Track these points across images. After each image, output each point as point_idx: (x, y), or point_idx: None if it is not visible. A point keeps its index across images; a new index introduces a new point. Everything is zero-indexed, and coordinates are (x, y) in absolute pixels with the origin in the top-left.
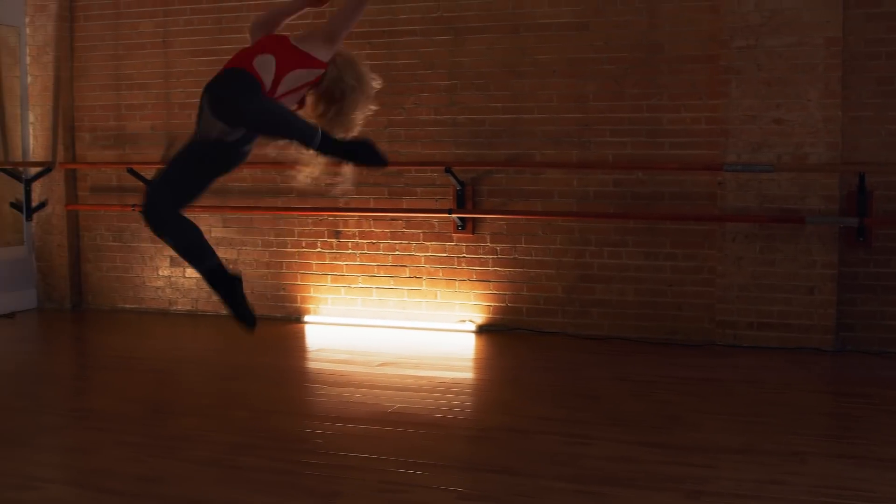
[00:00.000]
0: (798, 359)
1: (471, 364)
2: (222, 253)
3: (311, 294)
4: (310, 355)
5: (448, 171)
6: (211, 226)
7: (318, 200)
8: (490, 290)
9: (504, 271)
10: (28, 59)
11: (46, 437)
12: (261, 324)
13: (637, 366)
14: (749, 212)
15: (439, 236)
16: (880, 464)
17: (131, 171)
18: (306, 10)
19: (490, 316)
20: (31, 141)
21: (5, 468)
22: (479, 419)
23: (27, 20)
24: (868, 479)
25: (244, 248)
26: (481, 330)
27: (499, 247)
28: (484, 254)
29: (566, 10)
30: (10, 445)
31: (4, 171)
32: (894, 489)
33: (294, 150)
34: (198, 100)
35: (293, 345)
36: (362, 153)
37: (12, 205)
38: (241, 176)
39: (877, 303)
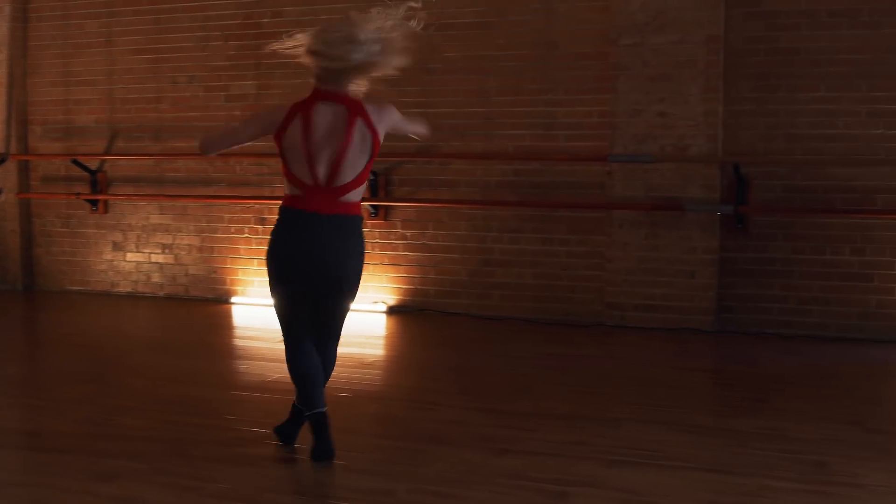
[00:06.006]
0: (677, 338)
1: (367, 341)
2: (159, 239)
3: (239, 277)
4: (225, 333)
5: None
6: (149, 213)
7: (245, 189)
8: (400, 273)
9: (413, 256)
10: None
11: None
12: (193, 304)
13: (521, 343)
14: (635, 200)
15: None
16: (685, 428)
17: (76, 162)
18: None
19: (400, 298)
20: None
21: None
22: (346, 387)
23: None
24: (666, 441)
25: (179, 233)
26: (392, 311)
27: (408, 233)
28: (395, 239)
29: (470, 11)
30: None
31: None
32: (683, 450)
33: None
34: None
35: (216, 323)
36: None
37: None
38: (176, 167)
39: (755, 286)
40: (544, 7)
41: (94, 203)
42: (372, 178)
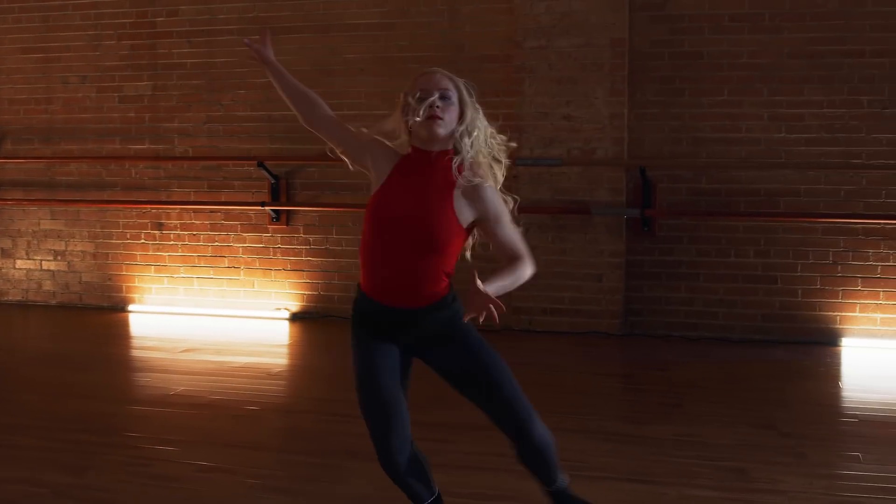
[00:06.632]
0: (586, 342)
1: (272, 349)
2: (51, 245)
3: (136, 284)
4: (122, 343)
5: (260, 165)
6: (40, 218)
7: (141, 194)
8: (304, 279)
9: (317, 261)
10: None
11: None
12: (87, 313)
13: None
14: (542, 204)
15: (256, 228)
16: (603, 437)
17: None
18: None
19: (304, 304)
20: None
21: None
22: (253, 400)
23: None
24: (586, 450)
25: (72, 239)
26: (295, 317)
27: (311, 237)
28: (298, 244)
29: (373, 11)
30: None
31: None
32: (604, 459)
33: None
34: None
35: (113, 332)
36: None
37: None
38: (68, 170)
39: (662, 289)
40: (448, 8)
41: None
42: (273, 181)
